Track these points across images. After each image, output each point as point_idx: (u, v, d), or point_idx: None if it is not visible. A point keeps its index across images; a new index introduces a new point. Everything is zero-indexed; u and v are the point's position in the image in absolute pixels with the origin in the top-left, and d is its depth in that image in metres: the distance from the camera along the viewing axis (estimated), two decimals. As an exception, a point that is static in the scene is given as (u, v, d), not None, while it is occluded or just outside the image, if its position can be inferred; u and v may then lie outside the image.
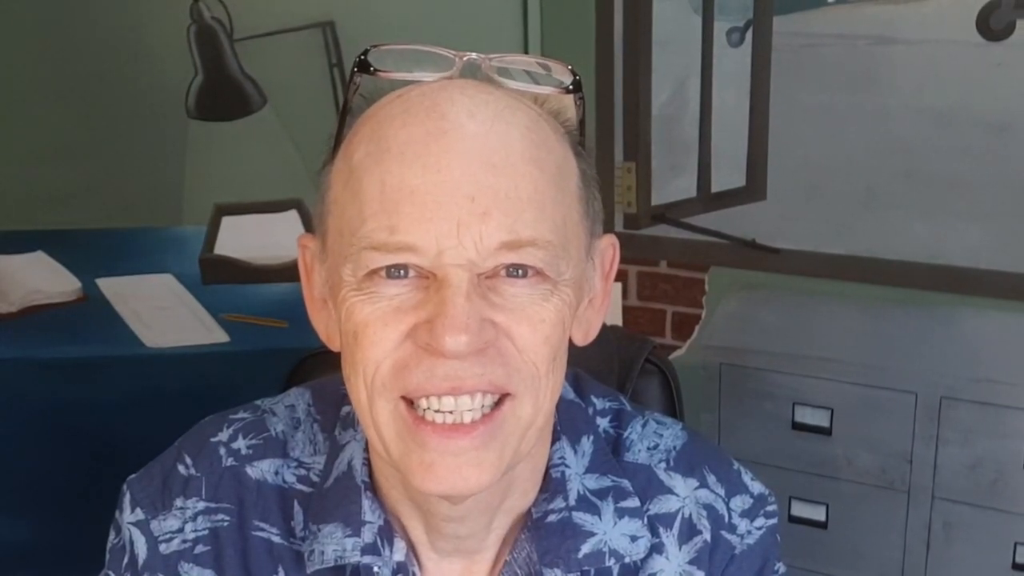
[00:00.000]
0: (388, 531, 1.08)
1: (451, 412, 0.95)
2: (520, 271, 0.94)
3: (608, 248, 1.09)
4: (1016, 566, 2.43)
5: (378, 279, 0.94)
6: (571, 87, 1.01)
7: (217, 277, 2.71)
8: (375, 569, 1.07)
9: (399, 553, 1.08)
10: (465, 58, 0.99)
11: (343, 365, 1.00)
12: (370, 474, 1.10)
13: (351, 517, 1.08)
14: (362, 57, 0.98)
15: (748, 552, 1.17)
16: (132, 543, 1.13)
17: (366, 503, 1.08)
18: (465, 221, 0.91)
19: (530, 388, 0.97)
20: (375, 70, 0.98)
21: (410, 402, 0.96)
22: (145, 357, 2.72)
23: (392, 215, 0.92)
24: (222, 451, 1.14)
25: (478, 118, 0.95)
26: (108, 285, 2.70)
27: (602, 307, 1.10)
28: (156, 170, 2.63)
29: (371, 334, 0.94)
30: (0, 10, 2.51)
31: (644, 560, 1.12)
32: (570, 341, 1.03)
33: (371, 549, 1.07)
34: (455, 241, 0.91)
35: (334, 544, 1.07)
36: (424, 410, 0.95)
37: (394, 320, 0.93)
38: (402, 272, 0.93)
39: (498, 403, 0.97)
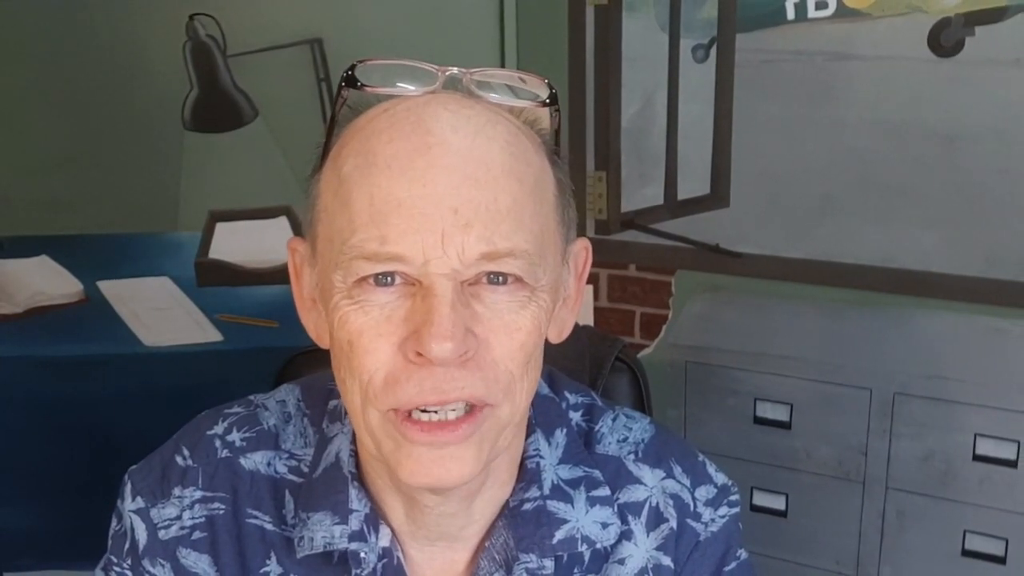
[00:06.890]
0: (374, 519, 1.09)
1: (436, 412, 0.96)
2: (500, 278, 0.95)
3: (581, 251, 1.11)
4: (966, 552, 2.44)
5: (367, 286, 0.94)
6: (547, 100, 1.01)
7: (211, 280, 2.71)
8: (362, 555, 1.08)
9: (384, 539, 1.09)
10: (447, 73, 0.99)
11: (336, 368, 1.01)
12: (356, 465, 1.11)
13: (339, 506, 1.09)
14: (349, 72, 0.98)
15: (712, 539, 1.18)
16: (133, 530, 1.14)
17: (353, 492, 1.09)
18: (449, 232, 0.91)
19: (507, 395, 0.98)
20: (362, 85, 0.98)
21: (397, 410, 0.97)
22: (143, 355, 2.72)
23: (381, 226, 0.92)
24: (217, 443, 1.15)
25: (461, 133, 0.95)
26: (108, 287, 2.70)
27: (575, 306, 1.11)
28: (154, 179, 2.63)
29: (366, 343, 0.95)
30: (5, 25, 2.51)
31: (614, 546, 1.14)
32: (546, 340, 1.04)
33: (358, 536, 1.08)
34: (440, 251, 0.91)
35: (323, 531, 1.08)
36: (411, 411, 0.96)
37: (386, 330, 0.94)
38: (389, 279, 0.94)
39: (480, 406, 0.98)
